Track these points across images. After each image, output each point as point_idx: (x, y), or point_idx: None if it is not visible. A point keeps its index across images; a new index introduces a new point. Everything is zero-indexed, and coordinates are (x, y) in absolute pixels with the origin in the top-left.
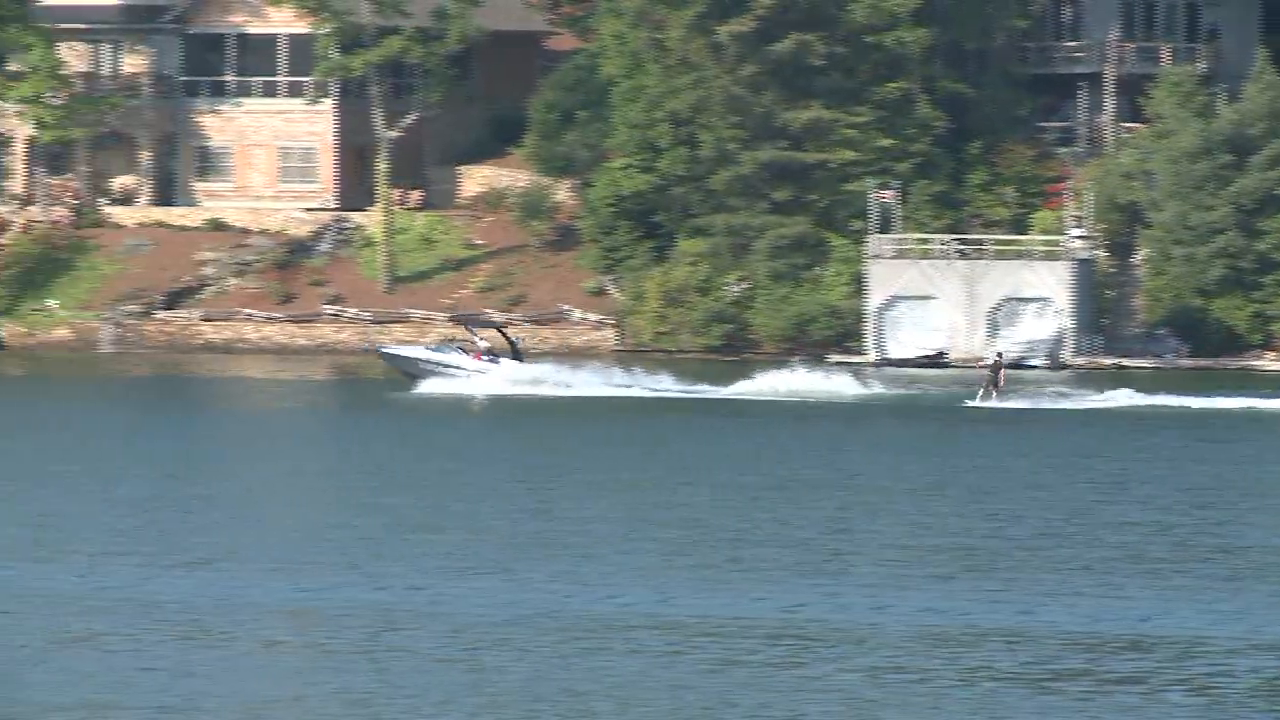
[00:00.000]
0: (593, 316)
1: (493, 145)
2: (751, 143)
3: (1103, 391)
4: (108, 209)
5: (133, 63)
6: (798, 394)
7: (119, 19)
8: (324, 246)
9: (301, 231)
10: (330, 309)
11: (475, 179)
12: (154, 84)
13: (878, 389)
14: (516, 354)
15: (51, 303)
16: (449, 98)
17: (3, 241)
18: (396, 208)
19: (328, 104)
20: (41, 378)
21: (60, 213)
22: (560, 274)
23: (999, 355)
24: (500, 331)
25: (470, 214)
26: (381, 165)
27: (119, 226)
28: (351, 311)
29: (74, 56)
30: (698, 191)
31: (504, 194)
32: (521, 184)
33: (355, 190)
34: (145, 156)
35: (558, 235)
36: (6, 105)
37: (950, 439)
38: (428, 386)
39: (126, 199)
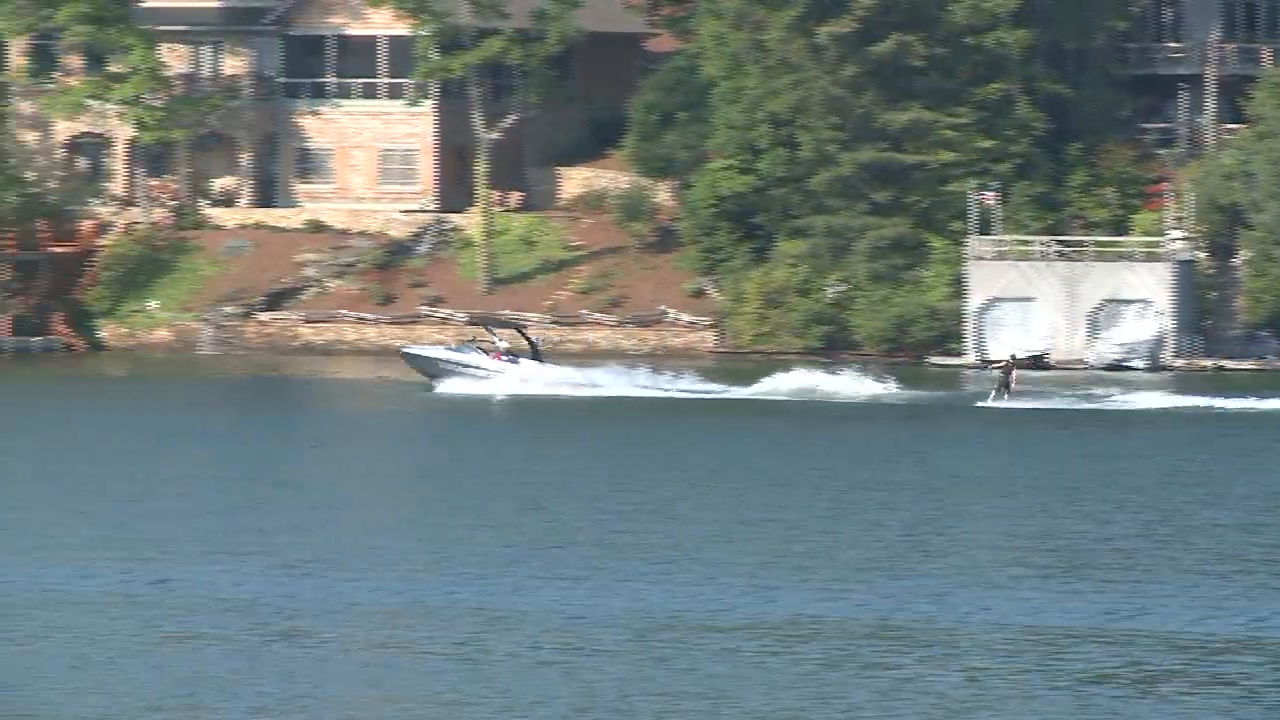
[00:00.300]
0: (687, 317)
1: (592, 146)
2: (851, 144)
3: (1130, 392)
4: (208, 210)
5: (233, 64)
6: (816, 394)
7: (219, 21)
8: (423, 248)
9: (401, 233)
10: (429, 310)
11: (575, 180)
12: (254, 85)
13: (891, 389)
14: (536, 354)
15: (152, 304)
16: (548, 99)
17: (104, 243)
18: (496, 209)
19: (427, 105)
20: (142, 378)
21: (161, 214)
22: (660, 275)
23: (1012, 356)
24: (520, 332)
25: (570, 215)
26: (481, 166)
27: (219, 228)
28: (444, 313)
29: (174, 58)
30: (797, 193)
31: (604, 195)
32: (621, 185)
33: (455, 191)
34: (245, 158)
35: (657, 236)
36: (108, 106)
37: (1012, 439)
38: (447, 386)
39: (227, 200)
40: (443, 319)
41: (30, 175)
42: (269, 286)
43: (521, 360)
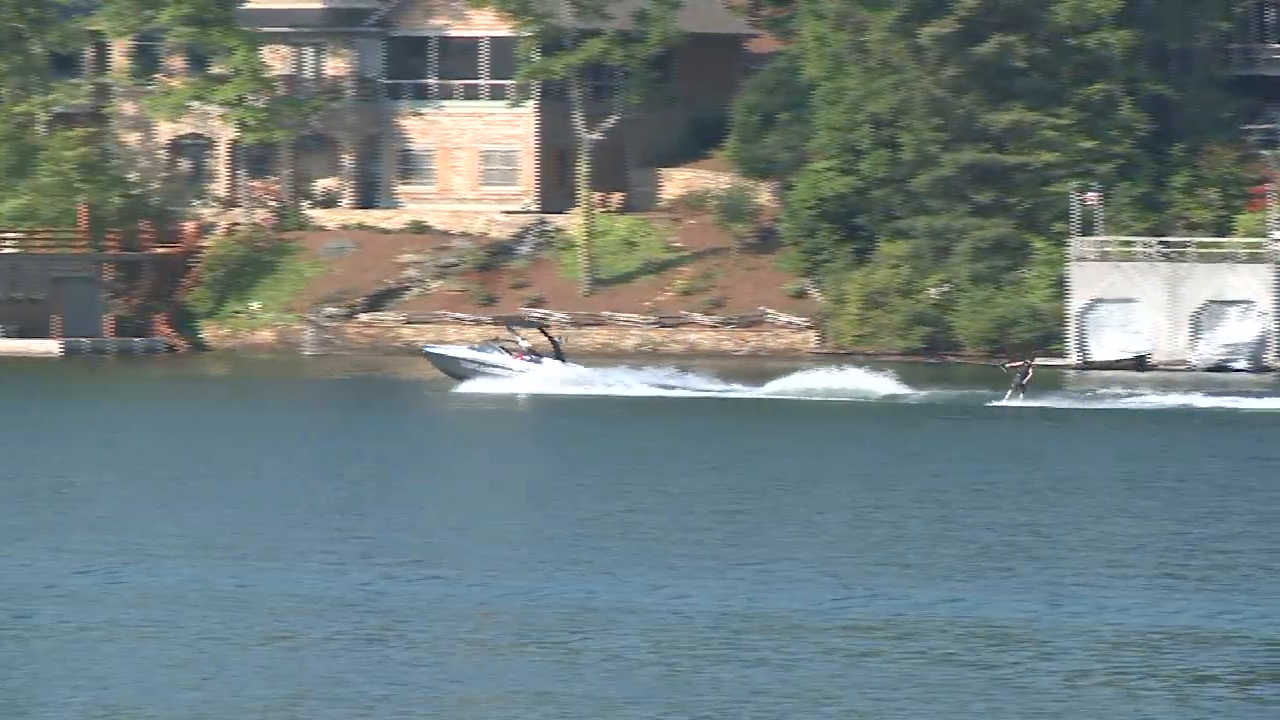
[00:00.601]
0: (787, 318)
1: (693, 147)
2: (953, 144)
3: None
4: (310, 211)
5: (335, 65)
6: (830, 393)
7: (322, 22)
8: (525, 249)
9: (503, 234)
10: (531, 311)
11: (676, 181)
12: (356, 87)
13: (907, 389)
14: (559, 354)
15: (254, 305)
16: (650, 100)
17: (206, 244)
18: (597, 210)
19: (529, 106)
20: (245, 379)
21: (263, 215)
22: (760, 276)
23: (1029, 357)
24: (543, 331)
25: (671, 216)
26: (582, 167)
27: (321, 229)
28: (540, 313)
29: (277, 59)
30: (899, 194)
31: (705, 196)
32: (722, 186)
33: (556, 193)
34: (347, 159)
35: (758, 238)
36: (210, 108)
37: (1081, 439)
38: (470, 386)
39: (329, 201)
40: (538, 319)
41: (133, 176)
42: (371, 287)
43: (545, 360)
